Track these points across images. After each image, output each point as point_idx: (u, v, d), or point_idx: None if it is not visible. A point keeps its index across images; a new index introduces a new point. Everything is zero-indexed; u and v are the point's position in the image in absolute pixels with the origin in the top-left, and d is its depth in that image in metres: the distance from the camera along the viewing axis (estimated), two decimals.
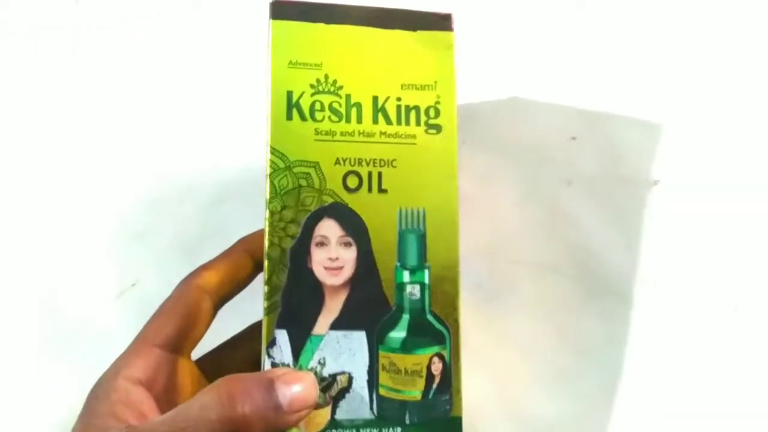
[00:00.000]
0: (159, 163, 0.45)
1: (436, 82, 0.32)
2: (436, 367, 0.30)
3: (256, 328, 0.33)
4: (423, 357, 0.30)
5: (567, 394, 0.39)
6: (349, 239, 0.31)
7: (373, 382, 0.30)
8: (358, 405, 0.31)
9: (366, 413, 0.30)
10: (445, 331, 0.30)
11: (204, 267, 0.32)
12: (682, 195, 0.41)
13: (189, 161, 0.44)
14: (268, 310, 0.29)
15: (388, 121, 0.31)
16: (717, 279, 0.40)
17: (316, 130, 0.30)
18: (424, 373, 0.30)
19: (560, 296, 0.40)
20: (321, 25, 0.31)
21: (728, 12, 0.43)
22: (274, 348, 0.29)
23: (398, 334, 0.30)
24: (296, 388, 0.26)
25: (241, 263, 0.33)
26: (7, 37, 0.48)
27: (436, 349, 0.30)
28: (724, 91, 0.42)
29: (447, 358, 0.30)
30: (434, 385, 0.30)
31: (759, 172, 0.41)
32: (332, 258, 0.31)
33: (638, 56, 0.43)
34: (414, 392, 0.30)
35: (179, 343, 0.31)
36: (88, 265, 0.43)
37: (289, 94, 0.30)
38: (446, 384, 0.30)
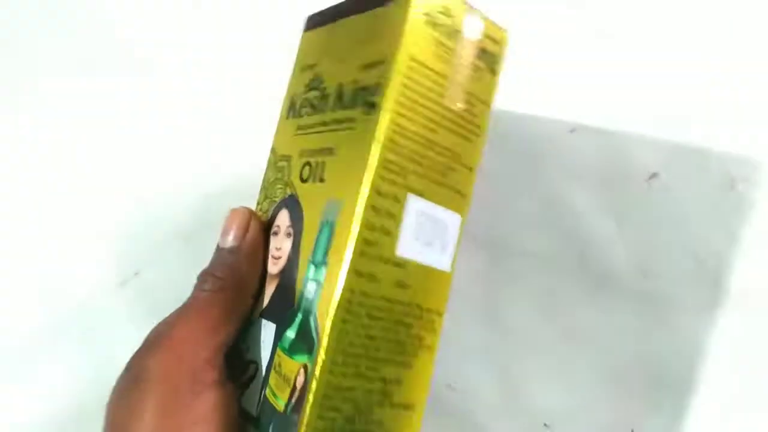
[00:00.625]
0: (160, 155, 0.45)
1: (386, 56, 0.26)
2: (300, 380, 0.26)
3: None
4: (295, 365, 0.26)
5: (568, 385, 0.39)
6: (291, 230, 0.30)
7: (266, 380, 0.28)
8: (253, 399, 0.30)
9: (252, 409, 0.29)
10: (315, 342, 0.25)
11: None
12: (679, 188, 0.40)
13: (191, 153, 0.45)
14: None
15: (342, 106, 0.28)
16: (715, 269, 0.39)
17: (298, 125, 0.31)
18: (291, 383, 0.26)
19: (559, 287, 0.40)
20: (319, 29, 0.31)
21: (731, 7, 0.40)
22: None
23: (290, 333, 0.27)
24: (225, 224, 0.31)
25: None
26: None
27: (305, 358, 0.26)
28: (724, 84, 0.40)
29: (310, 371, 0.25)
30: (293, 399, 0.26)
31: (753, 162, 0.39)
32: (277, 247, 0.31)
33: (637, 48, 0.42)
34: (281, 401, 0.27)
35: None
36: (91, 255, 0.44)
37: (293, 96, 0.32)
38: (299, 403, 0.25)
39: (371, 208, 0.25)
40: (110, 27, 0.47)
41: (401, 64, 0.26)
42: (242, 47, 0.45)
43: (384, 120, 0.25)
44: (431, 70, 0.27)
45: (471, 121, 0.28)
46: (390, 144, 0.25)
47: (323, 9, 0.32)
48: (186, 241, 0.41)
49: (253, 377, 0.30)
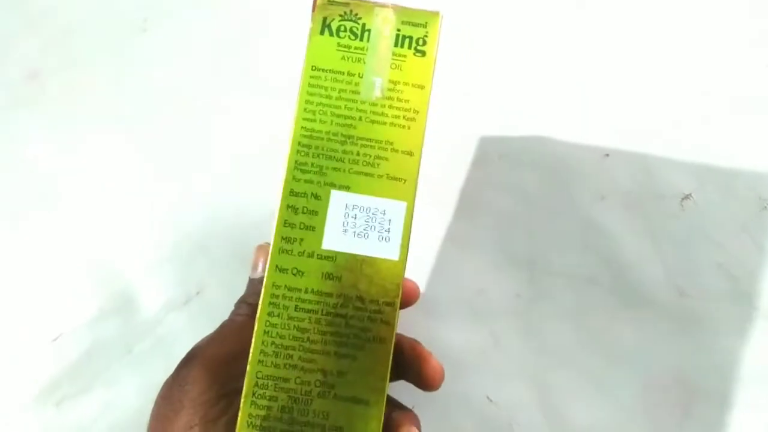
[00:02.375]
0: (221, 177, 0.47)
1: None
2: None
3: None
4: None
5: (603, 400, 0.41)
6: None
7: None
8: None
9: None
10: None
11: None
12: (711, 208, 0.43)
13: (251, 175, 0.47)
14: None
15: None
16: (749, 287, 0.41)
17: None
18: None
19: (596, 306, 0.42)
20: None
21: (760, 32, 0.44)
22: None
23: None
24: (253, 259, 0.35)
25: None
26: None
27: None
28: (753, 107, 0.43)
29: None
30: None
31: None
32: None
33: (666, 73, 0.45)
34: None
35: None
36: (154, 274, 0.46)
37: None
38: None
39: (288, 207, 0.27)
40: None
41: (305, 74, 0.28)
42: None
43: (295, 127, 0.28)
44: (339, 72, 0.29)
45: (403, 107, 0.29)
46: (300, 147, 0.28)
47: None
48: (243, 262, 0.41)
49: None
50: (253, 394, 0.26)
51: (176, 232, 0.47)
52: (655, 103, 0.44)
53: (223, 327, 0.33)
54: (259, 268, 0.34)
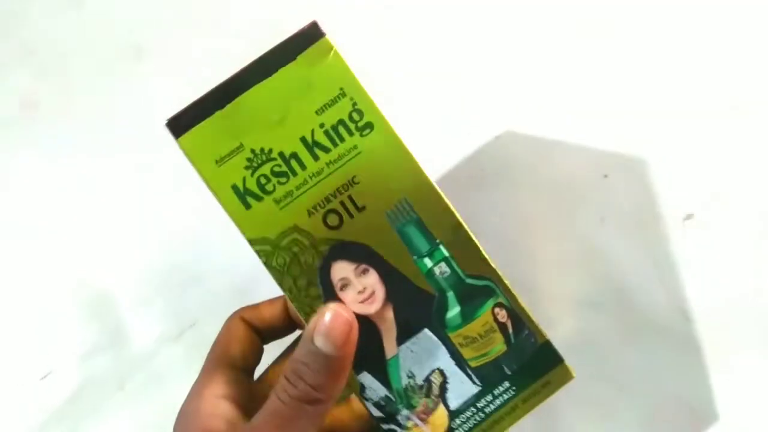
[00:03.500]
0: (215, 207, 0.46)
1: (341, 88, 0.32)
2: (502, 315, 0.32)
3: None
4: (485, 315, 0.33)
5: (608, 428, 0.41)
6: (364, 266, 0.33)
7: (461, 362, 0.33)
8: (461, 387, 0.34)
9: (472, 389, 0.33)
10: (489, 283, 0.32)
11: (246, 306, 0.36)
12: (715, 228, 0.41)
13: None
14: None
15: (326, 150, 0.32)
16: (753, 313, 0.40)
17: (274, 200, 0.32)
18: (495, 327, 0.33)
19: (598, 331, 0.42)
20: (218, 114, 0.32)
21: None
22: (366, 390, 0.32)
23: (453, 311, 0.33)
24: (324, 328, 0.29)
25: (279, 304, 0.36)
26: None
27: (491, 302, 0.33)
28: (755, 123, 0.42)
29: (505, 302, 0.32)
30: (510, 330, 0.33)
31: None
32: (360, 291, 0.33)
33: (666, 88, 0.44)
34: (498, 347, 0.33)
35: (244, 363, 0.34)
36: (146, 306, 0.45)
37: (234, 187, 0.32)
38: (518, 322, 0.33)
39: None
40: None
41: (361, 86, 0.32)
42: None
43: (389, 127, 0.32)
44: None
45: None
46: None
47: (185, 109, 0.33)
48: (238, 293, 0.41)
49: (444, 379, 0.34)
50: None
51: (169, 260, 0.46)
52: (654, 119, 0.43)
53: (262, 413, 0.29)
54: (330, 340, 0.30)
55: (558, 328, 0.41)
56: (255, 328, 0.35)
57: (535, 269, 0.43)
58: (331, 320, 0.30)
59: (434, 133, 0.36)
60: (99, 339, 0.45)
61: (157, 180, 0.47)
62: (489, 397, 0.34)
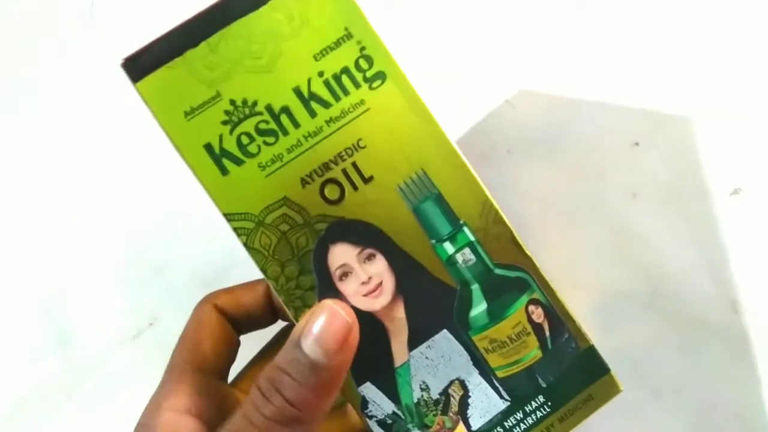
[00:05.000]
0: (177, 194, 0.40)
1: (346, 28, 0.27)
2: (538, 314, 0.27)
3: (287, 330, 0.31)
4: (518, 314, 0.27)
5: None
6: (370, 250, 0.27)
7: (486, 371, 0.27)
8: (486, 403, 0.27)
9: (499, 404, 0.27)
10: (523, 274, 0.27)
11: (220, 290, 0.30)
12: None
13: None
14: None
15: (326, 105, 0.26)
16: None
17: (259, 165, 0.26)
18: (529, 329, 0.27)
19: (632, 327, 0.36)
20: (189, 53, 0.26)
21: None
22: (369, 406, 0.27)
23: (479, 309, 0.27)
24: (317, 330, 0.24)
25: (261, 289, 0.31)
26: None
27: (525, 297, 0.27)
28: None
29: (542, 298, 0.27)
30: (547, 333, 0.27)
31: None
32: (364, 281, 0.27)
33: (707, 45, 0.37)
34: (532, 353, 0.27)
35: (217, 364, 0.29)
36: (99, 302, 0.40)
37: (208, 146, 0.26)
38: (557, 323, 0.27)
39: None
40: None
41: (372, 27, 0.27)
42: None
43: (406, 78, 0.26)
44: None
45: None
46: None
47: (146, 46, 0.26)
48: (207, 287, 0.34)
49: (465, 393, 0.28)
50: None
51: (126, 251, 0.41)
52: (692, 75, 0.37)
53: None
54: (322, 345, 0.24)
55: (585, 324, 0.35)
56: (230, 318, 0.30)
57: (557, 256, 0.37)
58: (326, 321, 0.24)
59: (432, 97, 0.30)
60: (43, 341, 0.41)
61: (109, 157, 0.42)
62: (519, 415, 0.28)
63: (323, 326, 0.24)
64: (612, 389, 0.28)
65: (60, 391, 0.41)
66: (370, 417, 0.27)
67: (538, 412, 0.28)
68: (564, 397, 0.28)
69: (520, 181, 0.40)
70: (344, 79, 0.27)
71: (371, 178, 0.27)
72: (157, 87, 0.26)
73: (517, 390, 0.28)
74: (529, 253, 0.27)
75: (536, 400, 0.28)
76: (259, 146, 0.27)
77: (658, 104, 0.37)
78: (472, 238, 0.27)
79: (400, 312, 0.27)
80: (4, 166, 0.44)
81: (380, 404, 0.27)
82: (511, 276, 0.27)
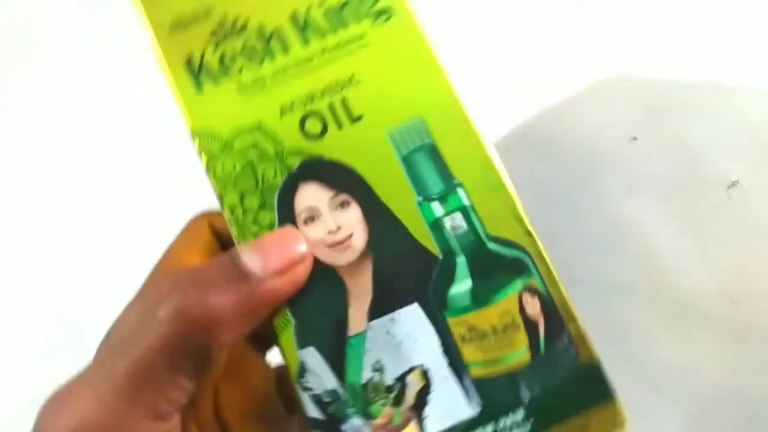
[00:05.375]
0: (189, 196, 0.40)
1: None
2: (533, 307, 0.22)
3: None
4: (509, 301, 0.22)
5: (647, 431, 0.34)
6: (344, 197, 0.23)
7: (457, 365, 0.22)
8: (450, 404, 0.22)
9: (465, 410, 0.22)
10: (521, 254, 0.22)
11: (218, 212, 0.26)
12: (765, 196, 0.36)
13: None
14: (280, 329, 0.22)
15: (321, 34, 0.24)
16: None
17: (238, 86, 0.24)
18: (519, 323, 0.22)
19: (631, 320, 0.36)
20: None
21: None
22: (306, 374, 0.22)
23: (462, 286, 0.23)
24: (263, 241, 0.21)
25: None
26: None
27: (519, 283, 0.22)
28: None
29: (540, 287, 0.22)
30: (541, 333, 0.22)
31: None
32: (332, 230, 0.23)
33: (703, 40, 0.38)
34: (518, 353, 0.22)
35: None
36: (113, 303, 0.43)
37: (188, 60, 0.24)
38: (557, 323, 0.22)
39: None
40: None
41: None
42: None
43: (414, 18, 0.24)
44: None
45: None
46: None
47: None
48: None
49: (426, 386, 0.22)
50: None
51: (136, 252, 0.39)
52: (689, 70, 0.38)
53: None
54: (263, 261, 0.21)
55: (584, 318, 0.33)
56: (224, 242, 0.26)
57: (555, 248, 0.36)
58: (277, 236, 0.22)
59: None
60: (55, 341, 0.41)
61: (123, 157, 0.44)
62: (489, 429, 0.22)
63: (271, 239, 0.22)
64: (615, 421, 0.22)
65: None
66: (306, 389, 0.22)
67: (514, 430, 0.22)
68: (550, 418, 0.22)
69: (519, 176, 0.39)
70: (347, 9, 0.24)
71: (360, 117, 0.24)
72: None
73: (492, 397, 0.22)
74: (532, 231, 0.23)
75: (514, 414, 0.22)
76: (241, 67, 0.24)
77: (655, 99, 0.38)
78: (465, 202, 0.23)
79: (366, 273, 0.23)
80: (16, 166, 0.45)
81: (321, 376, 0.22)
82: (507, 254, 0.23)
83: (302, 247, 0.22)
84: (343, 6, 0.25)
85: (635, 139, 0.38)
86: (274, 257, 0.21)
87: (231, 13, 0.25)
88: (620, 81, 0.38)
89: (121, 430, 0.20)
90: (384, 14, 0.24)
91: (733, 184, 0.37)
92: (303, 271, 0.22)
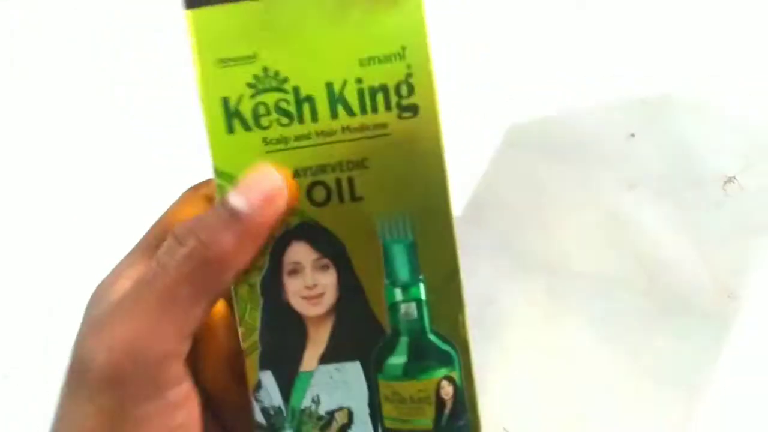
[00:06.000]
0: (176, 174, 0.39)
1: (403, 48, 0.26)
2: (446, 392, 0.27)
3: None
4: (429, 382, 0.27)
5: (641, 427, 0.36)
6: (326, 261, 0.27)
7: (376, 415, 0.28)
8: None
9: None
10: (451, 351, 0.27)
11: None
12: (761, 192, 0.37)
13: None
14: (248, 351, 0.27)
15: (350, 112, 0.26)
16: None
17: (264, 139, 0.26)
18: (432, 400, 0.27)
19: (628, 315, 0.37)
20: (247, 3, 0.25)
21: None
22: (261, 391, 0.27)
23: (398, 359, 0.27)
24: (243, 182, 0.25)
25: None
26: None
27: (443, 371, 0.27)
28: None
29: (458, 380, 0.27)
30: (446, 411, 0.27)
31: None
32: (309, 286, 0.28)
33: (703, 35, 0.38)
34: (424, 421, 0.27)
35: None
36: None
37: (225, 101, 0.26)
38: (460, 408, 0.27)
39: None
40: None
41: (429, 59, 0.26)
42: None
43: (437, 124, 0.26)
44: None
45: None
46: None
47: None
48: None
49: (348, 423, 0.28)
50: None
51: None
52: (685, 68, 0.38)
53: (146, 281, 0.25)
54: (246, 198, 0.25)
55: (583, 312, 0.36)
56: None
57: (556, 244, 0.38)
58: (255, 175, 0.25)
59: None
60: (63, 335, 0.40)
61: (136, 151, 0.43)
62: None
63: (251, 179, 0.25)
64: None
65: None
66: (258, 401, 0.28)
67: None
68: None
69: (519, 173, 0.40)
70: (379, 96, 0.26)
71: (360, 198, 0.27)
72: (206, 21, 0.26)
73: None
74: (468, 338, 0.28)
75: None
76: (271, 122, 0.27)
77: (653, 96, 0.39)
78: (422, 297, 0.27)
79: (327, 327, 0.28)
80: (27, 161, 0.45)
81: (271, 394, 0.28)
82: (441, 347, 0.28)
83: (278, 181, 0.25)
84: (377, 91, 0.27)
85: (633, 135, 0.38)
86: (255, 194, 0.24)
87: (273, 65, 0.27)
88: (618, 78, 0.38)
89: (155, 346, 0.24)
90: (410, 110, 0.27)
91: (730, 180, 0.37)
92: (282, 199, 0.25)
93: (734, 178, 0.37)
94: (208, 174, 0.30)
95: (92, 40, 0.45)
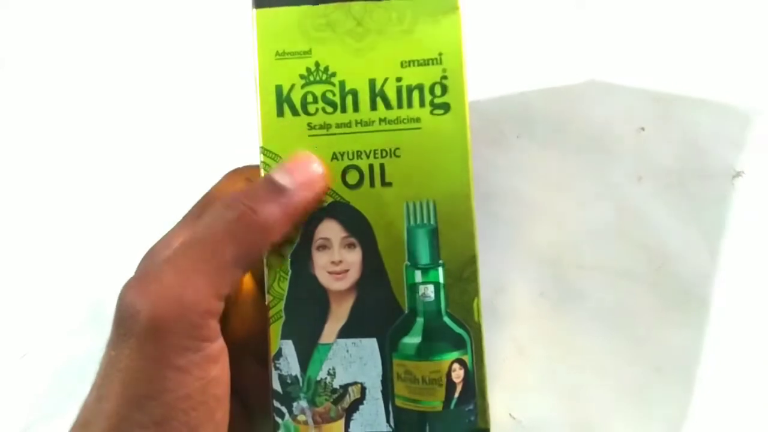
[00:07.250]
0: (159, 164, 0.43)
1: (440, 54, 0.29)
2: (457, 375, 0.28)
3: None
4: (441, 364, 0.28)
5: (645, 415, 0.35)
6: (353, 240, 0.30)
7: (388, 393, 0.29)
8: (373, 417, 0.29)
9: (382, 426, 0.29)
10: (465, 335, 0.28)
11: (254, 166, 0.30)
12: None
13: (188, 162, 0.43)
14: (273, 320, 0.29)
15: (388, 106, 0.29)
16: None
17: (309, 124, 0.29)
18: (443, 382, 0.28)
19: (635, 305, 0.36)
20: (307, 8, 0.29)
21: None
22: (281, 359, 0.29)
23: (413, 339, 0.29)
24: (288, 163, 0.28)
25: None
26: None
27: (455, 354, 0.28)
28: None
29: (469, 364, 0.28)
30: (456, 394, 0.28)
31: None
32: (335, 261, 0.30)
33: (712, 30, 0.39)
34: (434, 402, 0.28)
35: None
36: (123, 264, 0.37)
37: (279, 88, 0.29)
38: (469, 392, 0.28)
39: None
40: None
41: (463, 65, 0.29)
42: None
43: (465, 122, 0.29)
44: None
45: None
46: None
47: None
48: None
49: (361, 399, 0.29)
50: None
51: (162, 223, 0.40)
52: (697, 60, 0.38)
53: (197, 238, 0.27)
54: (291, 178, 0.28)
55: (589, 303, 0.35)
56: None
57: (564, 236, 0.38)
58: (298, 159, 0.28)
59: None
60: (79, 317, 0.42)
61: (150, 149, 0.44)
62: None
63: (294, 162, 0.28)
64: None
65: (94, 362, 0.43)
66: (276, 368, 0.30)
67: None
68: None
69: (529, 165, 0.40)
70: (415, 93, 0.29)
71: (390, 183, 0.29)
72: (270, 20, 0.30)
73: (404, 424, 0.29)
74: (481, 322, 0.29)
75: None
76: (317, 109, 0.30)
77: (662, 90, 0.38)
78: (441, 280, 0.29)
79: (348, 302, 0.30)
80: (44, 155, 0.47)
81: (290, 363, 0.30)
82: (455, 330, 0.29)
83: (318, 168, 0.28)
84: (413, 89, 0.30)
85: (643, 129, 0.38)
86: (299, 175, 0.28)
87: (324, 61, 0.30)
88: (628, 72, 0.38)
89: (197, 301, 0.26)
90: (442, 108, 0.30)
91: (738, 174, 0.37)
92: (321, 184, 0.28)
93: (743, 172, 0.37)
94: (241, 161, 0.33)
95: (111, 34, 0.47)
